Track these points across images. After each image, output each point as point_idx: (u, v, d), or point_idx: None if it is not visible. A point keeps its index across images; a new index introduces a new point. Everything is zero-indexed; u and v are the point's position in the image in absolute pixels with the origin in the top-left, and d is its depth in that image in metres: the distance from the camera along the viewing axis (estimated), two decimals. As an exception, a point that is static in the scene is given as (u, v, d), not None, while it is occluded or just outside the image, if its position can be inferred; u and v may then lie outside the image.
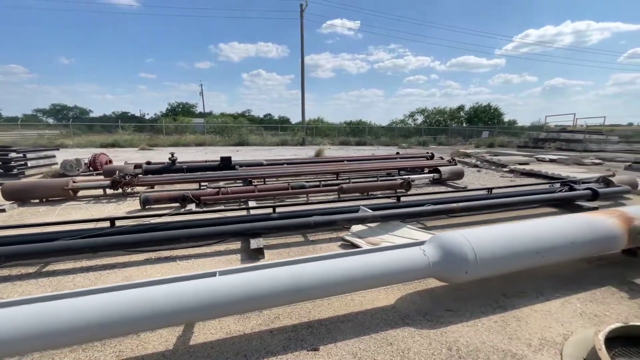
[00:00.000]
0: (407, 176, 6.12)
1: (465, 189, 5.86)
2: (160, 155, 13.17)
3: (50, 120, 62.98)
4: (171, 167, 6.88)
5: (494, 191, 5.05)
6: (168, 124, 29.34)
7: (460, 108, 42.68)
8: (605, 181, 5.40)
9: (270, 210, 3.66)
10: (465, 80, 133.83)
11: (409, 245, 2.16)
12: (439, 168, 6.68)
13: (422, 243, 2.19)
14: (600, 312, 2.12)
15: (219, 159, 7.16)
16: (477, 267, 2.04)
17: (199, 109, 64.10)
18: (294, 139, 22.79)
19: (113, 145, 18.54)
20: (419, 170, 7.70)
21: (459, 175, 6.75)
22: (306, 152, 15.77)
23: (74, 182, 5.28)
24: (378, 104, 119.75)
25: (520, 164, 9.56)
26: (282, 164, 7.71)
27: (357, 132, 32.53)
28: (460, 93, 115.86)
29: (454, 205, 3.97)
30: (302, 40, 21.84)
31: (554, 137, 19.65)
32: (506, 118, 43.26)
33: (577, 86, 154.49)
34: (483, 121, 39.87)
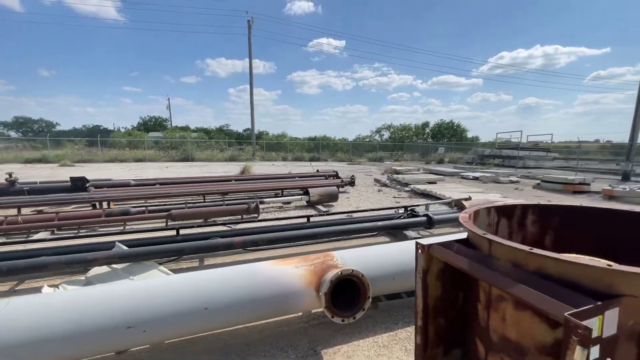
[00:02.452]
0: (259, 199, 5.55)
1: (324, 214, 5.32)
2: (71, 172, 12.12)
3: (12, 133, 59.95)
4: (9, 189, 6.02)
5: (355, 215, 4.64)
6: (120, 138, 28.06)
7: (426, 125, 43.64)
8: (459, 205, 5.04)
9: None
10: (446, 98, 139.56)
11: None
12: (309, 190, 6.16)
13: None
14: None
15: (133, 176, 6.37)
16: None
17: (177, 123, 63.18)
18: (242, 155, 22.14)
19: (40, 160, 17.21)
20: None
21: (332, 197, 6.25)
22: (260, 170, 15.05)
23: None
24: (363, 120, 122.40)
25: (429, 182, 9.28)
26: (154, 184, 7.00)
27: (321, 147, 32.47)
28: (441, 110, 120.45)
29: (237, 239, 3.38)
30: (250, 53, 21.76)
31: (497, 154, 19.97)
32: (470, 134, 44.62)
33: (549, 105, 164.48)
34: (446, 137, 40.80)
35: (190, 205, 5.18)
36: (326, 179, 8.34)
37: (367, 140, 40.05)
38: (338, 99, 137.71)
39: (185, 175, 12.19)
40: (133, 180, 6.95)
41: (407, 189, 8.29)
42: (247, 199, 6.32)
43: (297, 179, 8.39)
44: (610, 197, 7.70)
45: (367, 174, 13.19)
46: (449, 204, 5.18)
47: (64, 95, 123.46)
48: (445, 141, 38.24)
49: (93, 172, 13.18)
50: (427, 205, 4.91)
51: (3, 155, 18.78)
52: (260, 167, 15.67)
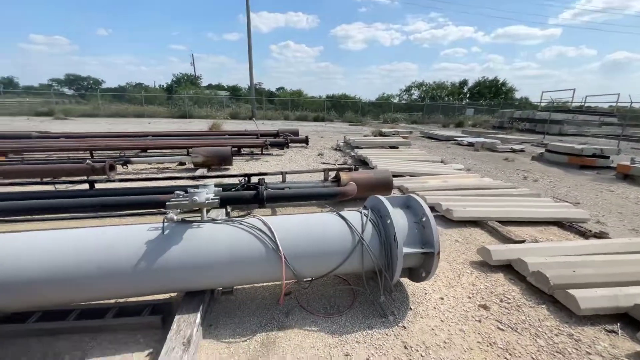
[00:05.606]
0: (125, 159, 4.67)
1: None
2: (53, 124, 12.33)
3: (66, 90, 65.75)
4: None
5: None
6: (135, 93, 28.73)
7: (464, 83, 38.25)
8: (338, 177, 3.68)
9: None
10: (511, 54, 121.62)
11: None
12: (193, 149, 5.12)
13: None
14: None
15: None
16: None
17: (209, 81, 63.69)
18: (242, 113, 21.26)
19: (47, 114, 18.09)
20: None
21: (223, 159, 5.13)
22: (231, 127, 14.19)
23: None
24: (410, 79, 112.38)
25: (391, 147, 7.65)
26: (58, 137, 6.45)
27: (338, 107, 30.34)
28: (503, 68, 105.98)
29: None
30: (248, 3, 19.52)
31: (530, 117, 16.58)
32: (520, 94, 38.34)
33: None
34: (487, 98, 35.63)
35: (28, 162, 4.49)
36: (257, 137, 7.16)
37: (389, 100, 36.38)
38: (385, 55, 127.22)
39: (161, 130, 11.75)
40: (36, 132, 6.48)
41: (352, 153, 6.82)
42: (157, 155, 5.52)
43: (226, 137, 7.34)
44: (625, 175, 5.54)
45: (347, 134, 11.60)
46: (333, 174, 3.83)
47: (120, 54, 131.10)
48: (485, 102, 33.35)
49: (70, 125, 13.38)
50: (283, 175, 3.63)
51: (25, 107, 20.09)
52: (240, 125, 14.75)
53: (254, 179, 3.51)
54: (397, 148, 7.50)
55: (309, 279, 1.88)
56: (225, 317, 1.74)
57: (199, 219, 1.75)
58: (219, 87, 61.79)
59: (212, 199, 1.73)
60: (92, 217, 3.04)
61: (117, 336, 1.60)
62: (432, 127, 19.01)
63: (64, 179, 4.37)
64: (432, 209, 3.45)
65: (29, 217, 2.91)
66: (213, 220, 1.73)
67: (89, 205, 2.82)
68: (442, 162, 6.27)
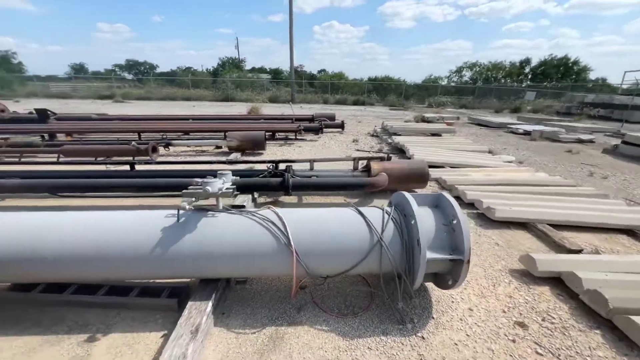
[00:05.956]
0: (166, 141, 4.94)
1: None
2: (112, 107, 13.65)
3: (126, 74, 72.09)
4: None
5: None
6: (184, 77, 30.38)
7: (526, 62, 34.07)
8: (369, 167, 3.49)
9: None
10: (588, 26, 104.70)
11: None
12: (227, 134, 5.23)
13: None
14: None
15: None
16: None
17: (253, 65, 64.99)
18: (281, 96, 21.39)
19: (109, 97, 19.97)
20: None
21: (256, 143, 5.19)
22: (269, 110, 14.42)
23: None
24: (463, 59, 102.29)
25: (434, 134, 7.13)
26: (114, 119, 7.07)
27: (380, 90, 29.16)
28: (576, 44, 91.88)
29: None
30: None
31: (605, 102, 14.30)
32: (595, 74, 33.25)
33: None
34: (553, 78, 31.52)
35: (85, 142, 4.95)
36: (292, 122, 7.12)
37: (437, 82, 33.84)
38: (435, 34, 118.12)
39: (203, 113, 12.36)
40: (96, 114, 7.15)
41: (389, 140, 6.49)
42: (196, 139, 5.85)
43: (261, 121, 7.42)
44: None
45: (387, 119, 11.10)
46: (358, 162, 3.64)
47: (172, 40, 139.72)
48: (550, 84, 29.50)
49: (126, 107, 14.58)
50: (311, 163, 3.54)
51: (84, 92, 22.32)
52: (279, 109, 14.86)
53: (282, 166, 3.48)
54: (440, 136, 6.96)
55: (323, 276, 1.80)
56: (238, 307, 1.75)
57: (215, 206, 1.75)
58: (262, 70, 62.67)
59: (226, 189, 1.69)
60: (133, 197, 3.27)
61: (138, 314, 1.68)
62: (483, 112, 17.40)
63: (115, 158, 4.79)
64: (472, 205, 3.14)
65: (79, 194, 3.22)
66: (227, 210, 1.71)
67: (129, 185, 3.02)
68: (489, 152, 5.68)
